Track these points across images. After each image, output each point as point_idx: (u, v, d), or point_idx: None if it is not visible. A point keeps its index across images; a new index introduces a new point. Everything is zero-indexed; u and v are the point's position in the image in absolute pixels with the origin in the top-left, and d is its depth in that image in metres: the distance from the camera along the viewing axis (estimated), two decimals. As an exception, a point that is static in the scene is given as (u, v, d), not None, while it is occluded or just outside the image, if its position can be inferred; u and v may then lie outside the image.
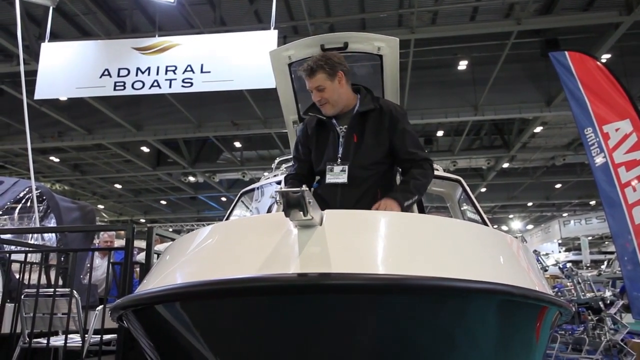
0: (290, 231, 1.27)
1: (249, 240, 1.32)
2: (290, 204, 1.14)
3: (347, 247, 1.23)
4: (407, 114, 2.56)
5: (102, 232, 6.69)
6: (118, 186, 22.78)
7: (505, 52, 11.22)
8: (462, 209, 4.10)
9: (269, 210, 3.94)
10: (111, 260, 4.52)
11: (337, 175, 2.41)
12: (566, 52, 5.94)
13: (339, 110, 2.47)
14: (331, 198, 2.42)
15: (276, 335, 1.16)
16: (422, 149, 2.50)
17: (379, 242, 1.28)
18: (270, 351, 1.17)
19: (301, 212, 1.15)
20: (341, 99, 2.44)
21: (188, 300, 1.22)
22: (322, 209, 1.22)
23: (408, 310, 1.14)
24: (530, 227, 34.26)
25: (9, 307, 3.92)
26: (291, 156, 2.90)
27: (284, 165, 4.76)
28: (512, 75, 12.54)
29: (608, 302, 7.08)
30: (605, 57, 10.80)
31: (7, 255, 4.06)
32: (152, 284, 1.46)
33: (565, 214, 28.86)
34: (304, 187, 1.11)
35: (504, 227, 31.47)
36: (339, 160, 2.43)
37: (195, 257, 1.42)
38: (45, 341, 3.72)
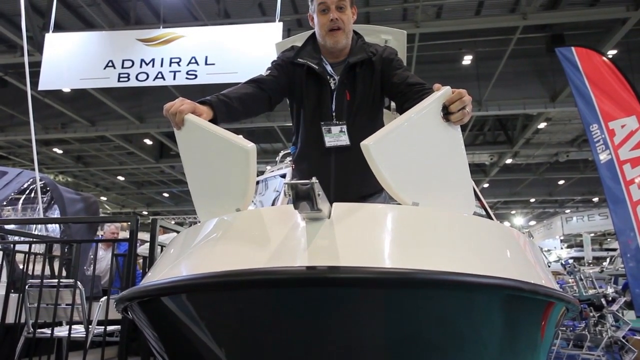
0: (297, 224, 1.26)
1: (255, 233, 1.31)
2: (300, 196, 1.13)
3: (355, 240, 1.22)
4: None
5: (107, 224, 6.70)
6: (121, 178, 22.84)
7: (511, 47, 11.17)
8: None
9: (274, 204, 3.94)
10: (115, 252, 4.52)
11: (337, 136, 2.13)
12: (573, 48, 5.91)
13: (347, 45, 2.18)
14: (323, 165, 2.14)
15: (283, 328, 1.15)
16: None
17: (388, 236, 1.27)
18: (277, 344, 1.17)
19: (310, 205, 1.14)
20: (350, 33, 2.19)
21: (194, 292, 1.22)
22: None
23: (418, 305, 1.14)
24: (532, 223, 34.24)
25: (13, 297, 3.93)
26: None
27: (287, 159, 4.74)
28: (516, 70, 12.49)
29: (610, 299, 7.07)
30: (611, 53, 10.74)
31: (11, 245, 4.07)
32: (157, 275, 1.45)
33: (567, 211, 28.85)
34: (314, 179, 1.10)
35: (506, 223, 31.46)
36: (334, 119, 2.14)
37: (201, 249, 1.41)
38: (49, 331, 3.74)
